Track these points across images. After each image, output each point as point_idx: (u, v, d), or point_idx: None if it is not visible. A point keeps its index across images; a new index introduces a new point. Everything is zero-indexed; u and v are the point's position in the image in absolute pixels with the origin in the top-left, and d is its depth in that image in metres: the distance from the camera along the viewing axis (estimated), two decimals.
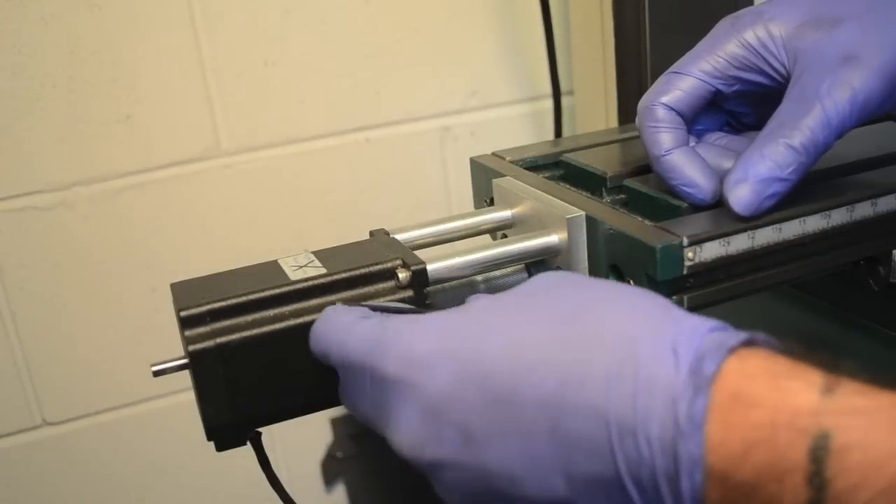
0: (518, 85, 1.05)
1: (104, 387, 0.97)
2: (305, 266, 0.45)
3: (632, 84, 0.87)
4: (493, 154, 0.61)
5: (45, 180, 0.89)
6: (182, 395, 0.99)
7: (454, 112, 1.03)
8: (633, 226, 0.46)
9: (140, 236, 0.94)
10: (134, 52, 0.88)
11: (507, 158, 0.59)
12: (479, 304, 0.38)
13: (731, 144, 0.52)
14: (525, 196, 0.52)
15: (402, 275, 0.44)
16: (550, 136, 1.04)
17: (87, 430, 0.98)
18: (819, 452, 0.28)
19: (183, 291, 0.43)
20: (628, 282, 0.45)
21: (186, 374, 0.43)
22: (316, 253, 0.47)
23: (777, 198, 0.45)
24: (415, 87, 1.00)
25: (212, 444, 0.44)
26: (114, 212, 0.92)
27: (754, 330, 0.33)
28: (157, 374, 0.43)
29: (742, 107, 0.52)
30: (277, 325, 0.43)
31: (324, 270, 0.44)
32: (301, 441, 1.08)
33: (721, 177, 0.47)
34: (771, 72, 0.48)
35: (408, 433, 0.36)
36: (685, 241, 0.43)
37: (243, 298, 0.42)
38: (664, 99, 0.49)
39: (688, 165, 0.47)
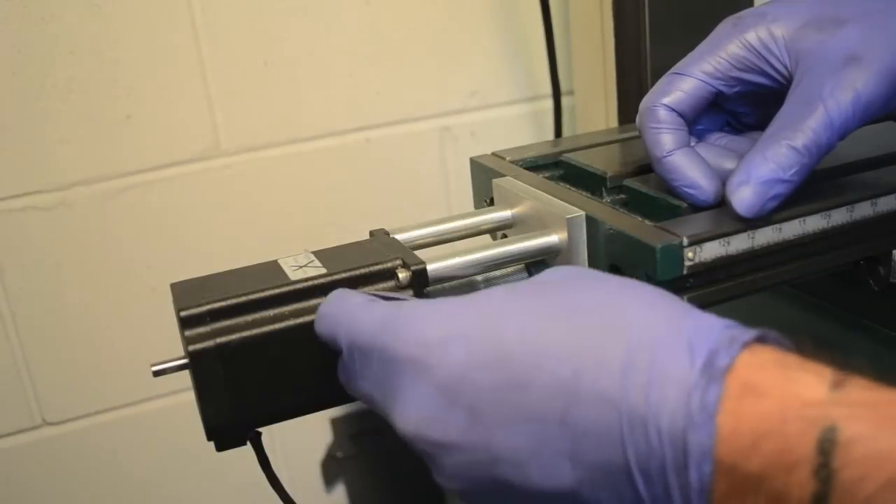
0: (518, 85, 1.05)
1: (104, 387, 0.97)
2: (305, 266, 0.45)
3: (632, 84, 0.87)
4: (493, 154, 0.61)
5: (45, 180, 0.89)
6: (182, 395, 0.99)
7: (454, 112, 1.03)
8: (633, 226, 0.46)
9: (140, 236, 0.94)
10: (134, 52, 0.88)
11: (507, 158, 0.59)
12: (497, 291, 0.38)
13: (731, 144, 0.52)
14: (525, 196, 0.52)
15: (402, 275, 0.44)
16: (550, 136, 1.03)
17: (87, 430, 0.98)
18: (826, 444, 0.28)
19: (183, 291, 0.43)
20: None
21: (186, 374, 0.43)
22: (316, 253, 0.47)
23: (780, 199, 0.45)
24: (415, 87, 1.00)
25: (212, 444, 0.44)
26: (114, 212, 0.92)
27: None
28: (157, 374, 0.43)
29: (743, 107, 0.52)
30: (277, 325, 0.43)
31: (324, 270, 0.44)
32: (301, 441, 1.08)
33: (722, 177, 0.47)
34: (773, 73, 0.48)
35: (417, 412, 0.36)
36: (685, 241, 0.43)
37: (243, 298, 0.42)
38: (666, 100, 0.49)
39: (689, 167, 0.48)
